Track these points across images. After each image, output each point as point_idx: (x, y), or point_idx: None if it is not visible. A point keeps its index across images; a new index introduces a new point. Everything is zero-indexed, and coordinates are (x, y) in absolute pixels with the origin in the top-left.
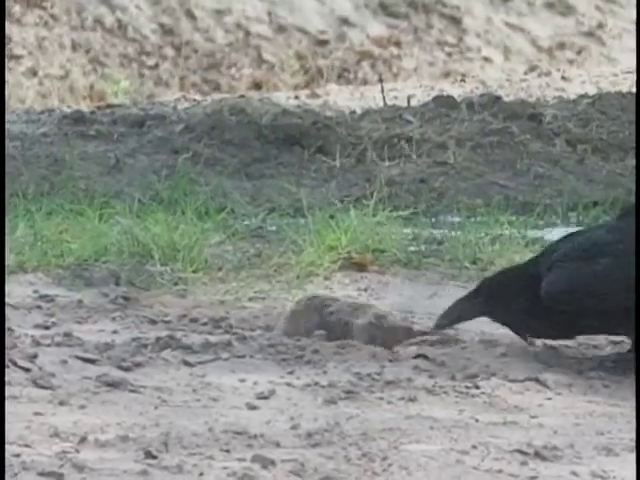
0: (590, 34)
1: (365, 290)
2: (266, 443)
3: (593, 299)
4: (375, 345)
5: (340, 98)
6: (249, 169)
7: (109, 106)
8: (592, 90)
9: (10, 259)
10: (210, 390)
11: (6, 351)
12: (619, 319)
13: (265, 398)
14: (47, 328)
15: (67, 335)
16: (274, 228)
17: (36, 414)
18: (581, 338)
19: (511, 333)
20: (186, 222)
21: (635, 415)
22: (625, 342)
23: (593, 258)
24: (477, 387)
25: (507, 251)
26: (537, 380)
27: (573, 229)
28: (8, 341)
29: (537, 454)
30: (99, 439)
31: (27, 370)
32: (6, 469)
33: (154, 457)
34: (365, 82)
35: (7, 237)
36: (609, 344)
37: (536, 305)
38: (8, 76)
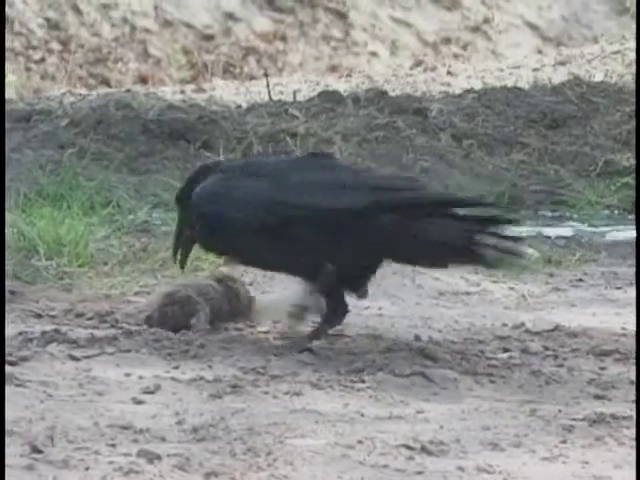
0: (476, 29)
1: (251, 284)
2: (152, 438)
3: (232, 225)
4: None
5: (226, 93)
6: (135, 164)
7: None
8: (478, 85)
9: None
10: (96, 384)
11: None
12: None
13: (151, 393)
14: None
15: None
16: (159, 222)
17: None
18: (466, 333)
19: (395, 327)
20: (72, 217)
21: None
22: (512, 339)
23: (244, 177)
24: (363, 381)
25: None
26: (423, 375)
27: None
28: None
29: (423, 449)
30: None
31: None
32: None
33: (40, 451)
34: (251, 77)
35: None
36: (495, 339)
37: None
38: None
